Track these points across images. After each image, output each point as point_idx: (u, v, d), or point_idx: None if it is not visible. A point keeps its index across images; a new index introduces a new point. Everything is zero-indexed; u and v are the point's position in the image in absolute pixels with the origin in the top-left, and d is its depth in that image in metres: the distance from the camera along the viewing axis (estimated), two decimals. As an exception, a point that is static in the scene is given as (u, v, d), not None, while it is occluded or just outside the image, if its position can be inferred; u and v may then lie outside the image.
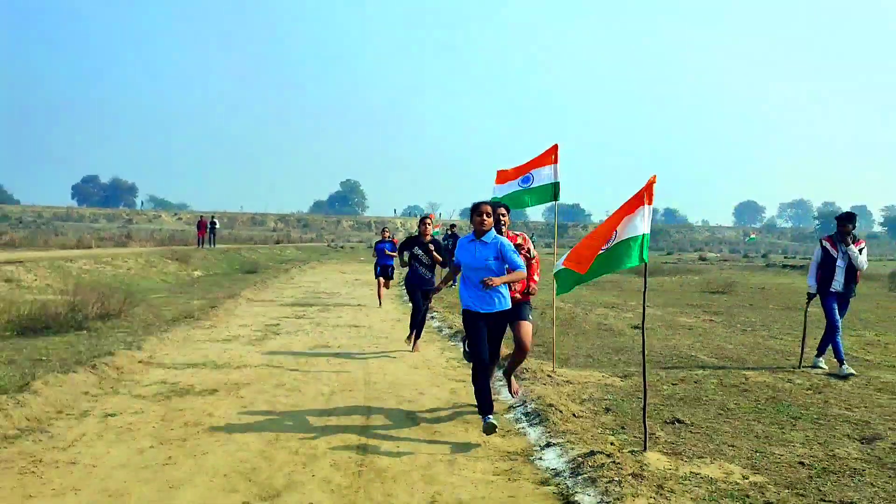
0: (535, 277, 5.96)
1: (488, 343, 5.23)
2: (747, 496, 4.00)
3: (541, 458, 4.72)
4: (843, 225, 7.99)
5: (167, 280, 20.24)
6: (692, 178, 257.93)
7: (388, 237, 14.30)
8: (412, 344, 8.97)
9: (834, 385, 7.10)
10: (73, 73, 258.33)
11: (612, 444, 4.82)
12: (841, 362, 7.70)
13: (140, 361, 7.55)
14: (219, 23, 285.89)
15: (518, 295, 5.74)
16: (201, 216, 40.84)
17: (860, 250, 7.93)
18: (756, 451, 4.84)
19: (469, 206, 5.37)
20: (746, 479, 4.29)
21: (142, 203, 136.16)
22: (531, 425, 5.42)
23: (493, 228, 5.26)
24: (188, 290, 17.45)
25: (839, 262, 7.91)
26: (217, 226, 38.24)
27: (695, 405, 6.18)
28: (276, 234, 70.57)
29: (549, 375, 7.04)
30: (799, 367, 7.95)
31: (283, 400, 6.20)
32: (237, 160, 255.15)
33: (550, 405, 5.61)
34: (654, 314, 13.56)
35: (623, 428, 5.32)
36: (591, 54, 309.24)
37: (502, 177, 7.95)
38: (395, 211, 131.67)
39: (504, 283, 5.09)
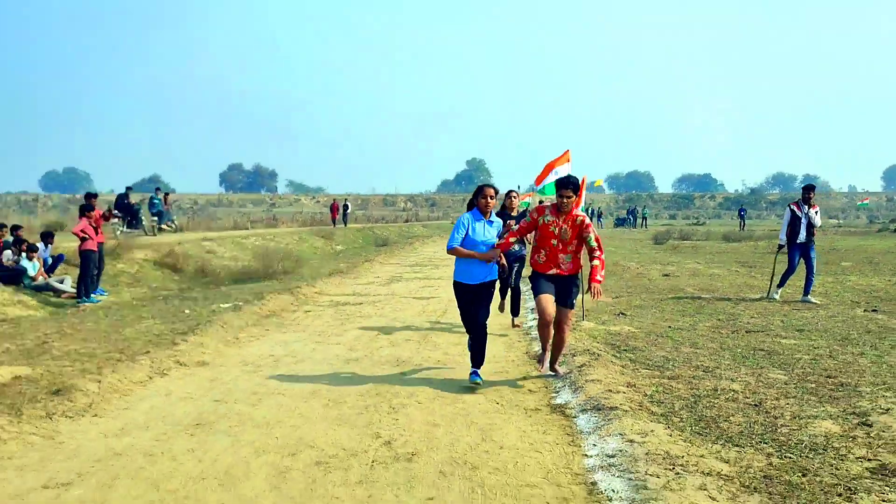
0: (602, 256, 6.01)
1: (479, 306, 6.02)
2: (620, 333, 8.01)
3: (525, 323, 8.94)
4: (807, 192, 11.17)
5: (316, 252, 25.61)
6: (838, 142, 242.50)
7: None
8: (506, 312, 9.29)
9: (754, 302, 10.66)
10: (216, 73, 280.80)
11: (569, 319, 8.87)
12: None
13: (315, 292, 12.35)
14: (347, 16, 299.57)
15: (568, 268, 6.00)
16: (334, 199, 46.73)
17: (816, 212, 11.19)
18: (651, 323, 8.74)
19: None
20: (629, 329, 8.26)
21: (276, 188, 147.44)
22: (531, 313, 9.60)
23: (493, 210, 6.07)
24: (335, 258, 22.70)
25: (803, 221, 11.08)
26: (349, 209, 43.73)
27: (644, 308, 10.06)
28: (405, 214, 76.49)
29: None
30: (767, 298, 11.06)
31: (398, 310, 10.70)
32: (369, 144, 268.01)
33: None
34: (693, 267, 16.99)
35: (585, 317, 9.32)
36: (722, 15, 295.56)
37: (541, 177, 11.67)
38: (518, 187, 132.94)
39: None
